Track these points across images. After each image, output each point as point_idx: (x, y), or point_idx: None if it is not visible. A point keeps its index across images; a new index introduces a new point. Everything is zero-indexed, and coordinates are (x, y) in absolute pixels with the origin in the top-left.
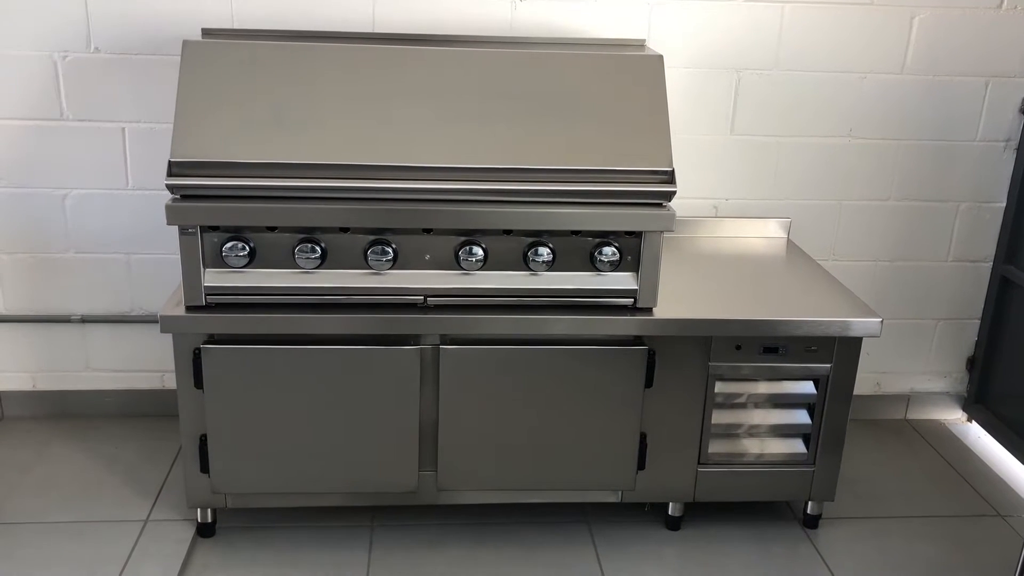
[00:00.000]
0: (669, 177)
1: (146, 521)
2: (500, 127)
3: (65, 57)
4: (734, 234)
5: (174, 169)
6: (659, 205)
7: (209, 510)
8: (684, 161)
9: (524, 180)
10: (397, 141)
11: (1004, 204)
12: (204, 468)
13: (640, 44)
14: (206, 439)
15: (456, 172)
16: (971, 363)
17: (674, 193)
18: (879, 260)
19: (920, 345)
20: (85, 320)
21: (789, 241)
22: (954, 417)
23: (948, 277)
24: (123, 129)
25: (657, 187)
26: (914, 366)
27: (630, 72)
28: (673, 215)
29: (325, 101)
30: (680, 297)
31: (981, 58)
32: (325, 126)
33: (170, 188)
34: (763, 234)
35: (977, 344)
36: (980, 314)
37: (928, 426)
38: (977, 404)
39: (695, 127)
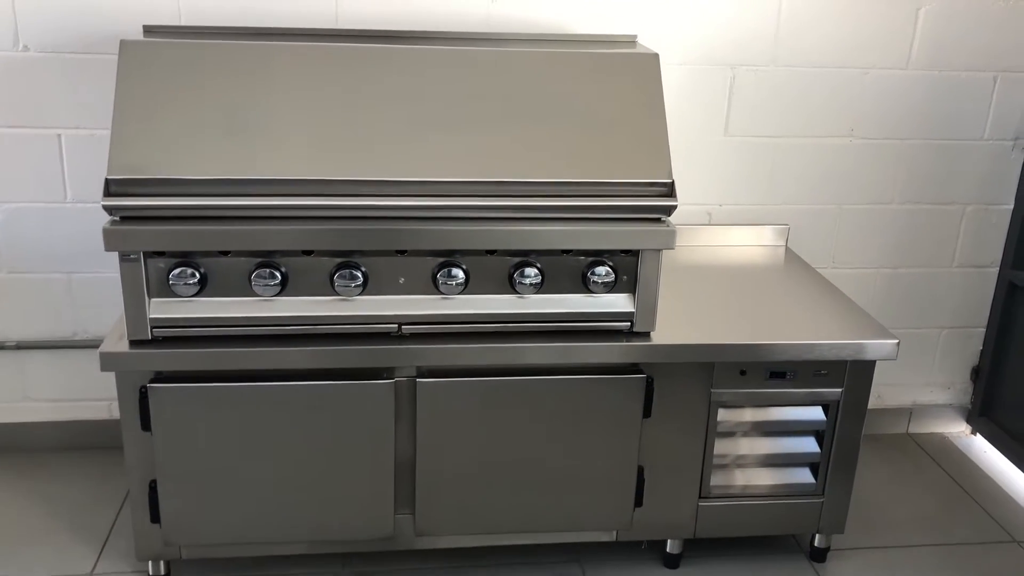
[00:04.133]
0: (669, 189)
1: (91, 575)
2: (480, 135)
3: None
4: (729, 242)
5: (112, 187)
6: (658, 220)
7: (162, 562)
8: (675, 164)
9: (508, 194)
10: (365, 152)
11: (1012, 206)
12: (155, 517)
13: (631, 40)
14: (156, 485)
15: (432, 186)
16: (976, 373)
17: (674, 208)
18: (881, 267)
19: (923, 355)
20: (21, 346)
21: (787, 249)
22: (958, 430)
23: (953, 284)
24: (59, 136)
25: (656, 201)
26: (917, 378)
27: (623, 72)
28: (674, 232)
29: (283, 108)
30: (677, 317)
31: (990, 52)
32: (284, 136)
33: (108, 209)
34: (760, 242)
35: (982, 353)
36: (986, 322)
37: (931, 440)
38: (982, 416)
39: (687, 128)
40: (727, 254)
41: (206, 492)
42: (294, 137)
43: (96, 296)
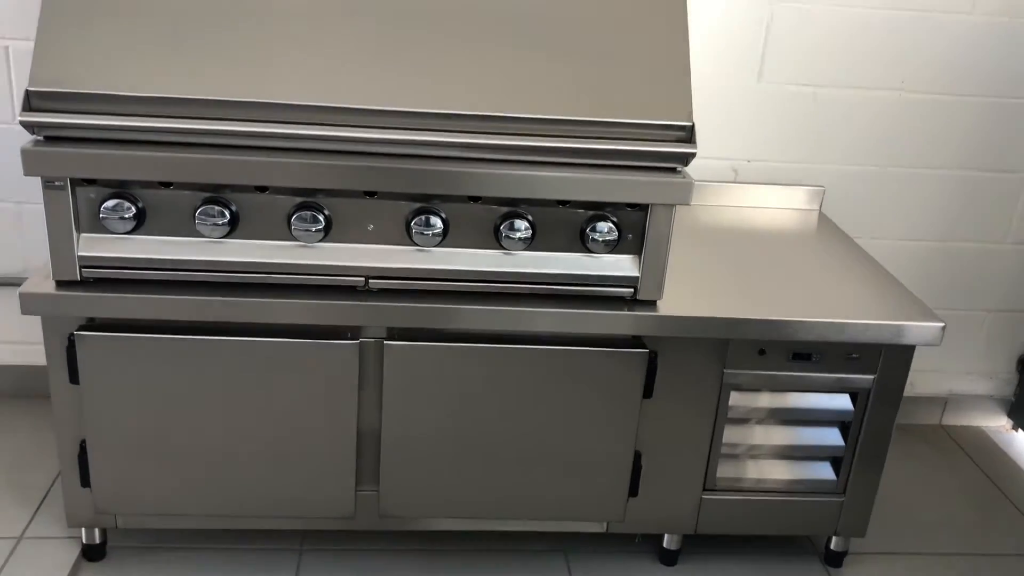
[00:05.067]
0: (687, 134)
1: (19, 538)
2: (466, 60)
3: None
4: (756, 203)
5: (33, 101)
6: (672, 171)
7: (96, 530)
8: (699, 112)
9: (497, 132)
10: (331, 74)
11: None
12: (85, 481)
13: None
14: (86, 446)
15: (408, 118)
16: (1022, 364)
17: (693, 155)
18: (925, 239)
19: (965, 340)
20: None
21: (821, 214)
22: (998, 424)
23: (1006, 262)
24: (6, 48)
25: (671, 147)
26: (956, 364)
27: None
28: (690, 185)
29: (240, 16)
30: (689, 285)
31: None
32: (237, 52)
33: (28, 126)
34: (791, 204)
35: None
36: None
37: (967, 434)
38: None
39: (714, 71)
40: (752, 216)
41: (142, 456)
42: (249, 53)
43: None
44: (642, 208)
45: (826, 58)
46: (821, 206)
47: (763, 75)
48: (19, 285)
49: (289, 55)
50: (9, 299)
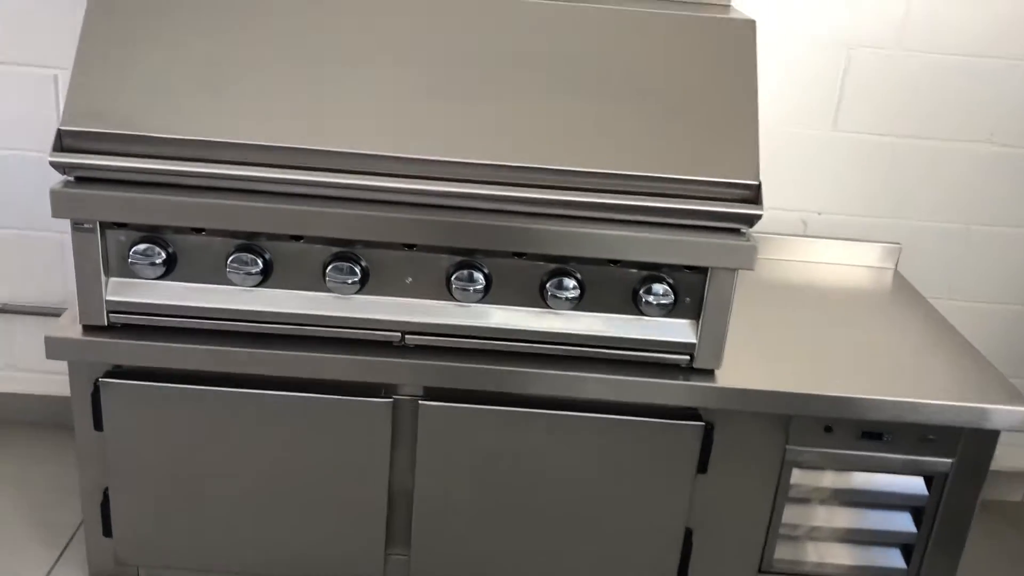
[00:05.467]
0: (754, 194)
1: None
2: (517, 108)
3: None
4: (826, 259)
5: (65, 140)
6: (736, 232)
7: None
8: (768, 160)
9: (546, 185)
10: (372, 121)
11: None
12: (107, 531)
13: (723, 3)
14: (109, 495)
15: (452, 168)
16: None
17: (758, 217)
18: (1010, 303)
19: None
20: (7, 310)
21: (897, 273)
22: None
23: None
24: (55, 77)
25: (735, 207)
26: None
27: (708, 41)
28: (754, 248)
29: (279, 61)
30: (750, 351)
31: None
32: (276, 96)
33: (58, 167)
34: (864, 262)
35: None
36: None
37: None
38: None
39: (786, 117)
40: (821, 274)
41: (166, 507)
42: (288, 98)
43: None
44: (701, 271)
45: (906, 107)
46: (897, 265)
47: (838, 123)
48: (59, 316)
49: (329, 100)
50: (46, 329)
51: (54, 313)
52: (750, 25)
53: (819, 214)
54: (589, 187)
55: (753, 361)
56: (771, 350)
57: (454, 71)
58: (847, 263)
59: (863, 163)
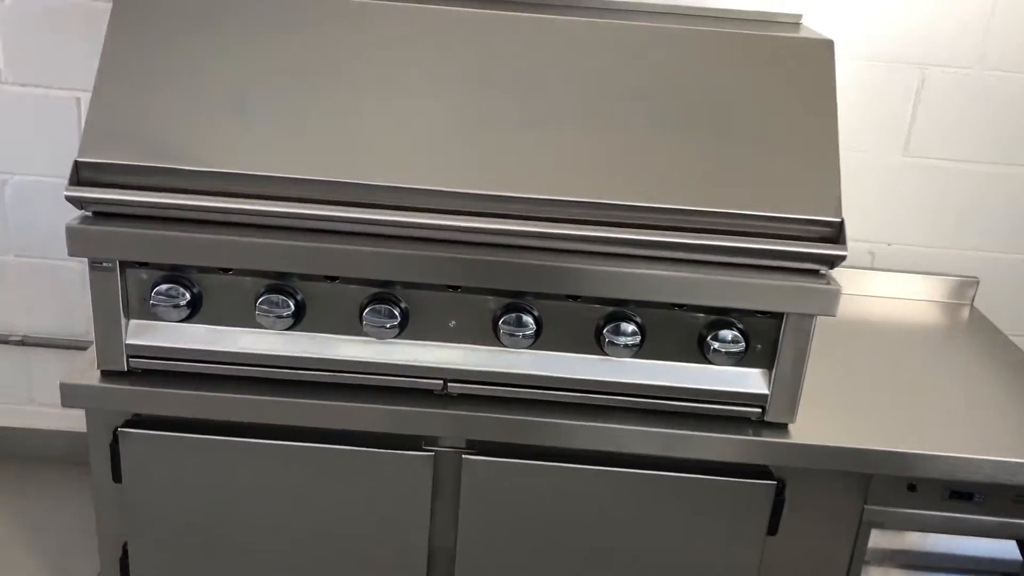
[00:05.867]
0: (835, 232)
1: None
2: (572, 137)
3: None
4: (896, 294)
5: (83, 172)
6: (814, 273)
7: None
8: None
9: (604, 221)
10: (412, 152)
11: None
12: None
13: (794, 21)
14: (128, 550)
15: (499, 203)
16: None
17: (841, 259)
18: None
19: None
20: (27, 342)
21: (973, 309)
22: None
23: None
24: (78, 99)
25: (814, 248)
26: None
27: (783, 63)
28: (837, 292)
29: (311, 88)
30: (823, 400)
31: None
32: (308, 125)
33: (75, 201)
34: (937, 296)
35: None
36: None
37: None
38: None
39: (853, 142)
40: (892, 310)
41: (188, 564)
42: (323, 126)
43: None
44: (775, 316)
45: (984, 130)
46: (974, 300)
47: (909, 148)
48: (84, 349)
49: (365, 130)
50: (71, 361)
51: (76, 346)
52: (827, 46)
53: (888, 245)
54: (651, 223)
55: (828, 412)
56: (846, 398)
57: (500, 98)
58: (919, 298)
59: (936, 191)
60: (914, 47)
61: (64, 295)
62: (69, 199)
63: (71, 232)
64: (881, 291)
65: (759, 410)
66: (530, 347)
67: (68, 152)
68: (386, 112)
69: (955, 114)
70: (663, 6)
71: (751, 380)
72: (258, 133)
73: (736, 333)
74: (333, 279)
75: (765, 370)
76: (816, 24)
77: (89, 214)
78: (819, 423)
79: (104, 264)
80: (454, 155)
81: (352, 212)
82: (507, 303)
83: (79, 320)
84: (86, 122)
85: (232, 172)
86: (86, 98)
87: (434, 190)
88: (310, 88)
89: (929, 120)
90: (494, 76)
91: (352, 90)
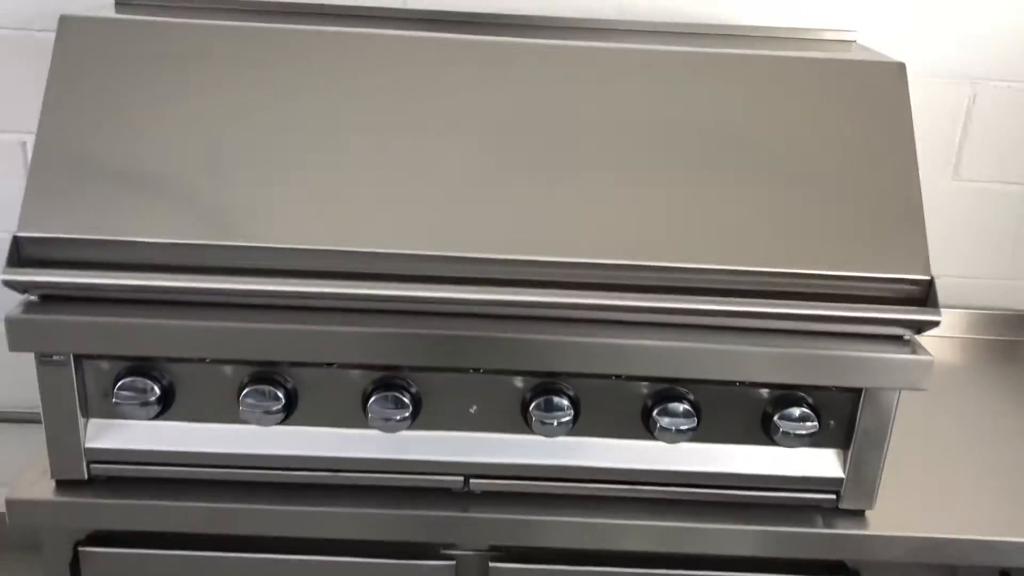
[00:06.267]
0: (923, 292)
1: None
2: (605, 186)
3: None
4: (952, 332)
5: (25, 249)
6: (899, 340)
7: None
8: None
9: (647, 287)
10: (422, 211)
11: None
12: None
13: (845, 40)
14: None
15: (526, 269)
16: None
17: (933, 324)
18: None
19: None
20: None
21: None
22: None
23: None
24: (23, 144)
25: (901, 313)
26: None
27: (848, 92)
28: (929, 363)
29: (299, 133)
30: (896, 476)
31: None
32: (296, 182)
33: (15, 286)
34: (995, 334)
35: None
36: None
37: None
38: None
39: None
40: (945, 351)
41: None
42: (314, 183)
43: None
44: (852, 391)
45: None
46: None
47: (959, 171)
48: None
49: (361, 187)
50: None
51: (29, 419)
52: (899, 70)
53: (940, 277)
54: (703, 287)
55: (903, 491)
56: (922, 473)
57: (517, 141)
58: (974, 335)
59: (990, 217)
60: (963, 61)
61: (7, 364)
62: (7, 283)
63: (12, 325)
64: (934, 331)
65: (832, 496)
66: (567, 433)
67: (13, 202)
68: (384, 164)
69: (1010, 133)
70: (692, 25)
71: (823, 463)
72: (234, 194)
73: (806, 410)
74: (330, 364)
75: (839, 450)
76: (857, 36)
77: (35, 299)
78: (898, 507)
79: (55, 358)
80: (466, 213)
81: (351, 286)
82: (537, 384)
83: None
84: (27, 185)
85: (205, 243)
86: (32, 140)
87: (445, 256)
88: (295, 137)
89: (981, 140)
90: (509, 115)
91: (343, 139)
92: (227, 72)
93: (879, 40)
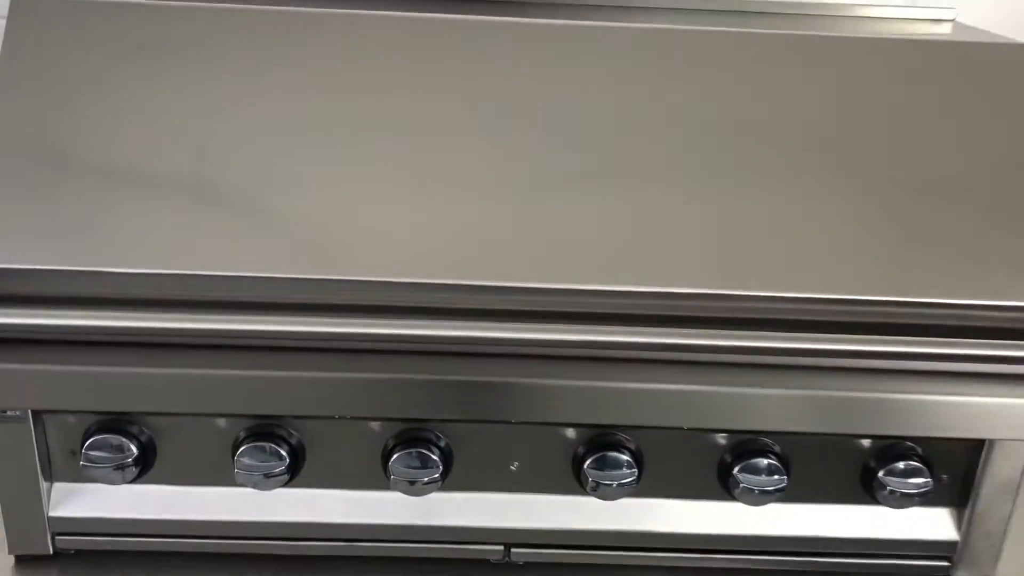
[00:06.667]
0: None
1: None
2: (672, 198)
3: None
4: None
5: None
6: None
7: None
8: None
9: (719, 319)
10: (445, 230)
11: None
12: None
13: (944, 17)
14: None
15: (572, 299)
16: None
17: None
18: None
19: None
20: None
21: None
22: None
23: None
24: None
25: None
26: None
27: (969, 81)
28: None
29: (300, 132)
30: (1019, 535)
31: None
32: (298, 190)
33: None
34: None
35: None
36: None
37: None
38: None
39: None
40: None
41: None
42: (315, 197)
43: None
44: (973, 444)
45: None
46: None
47: None
48: None
49: (376, 203)
50: None
51: None
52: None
53: None
54: (789, 318)
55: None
56: None
57: (567, 142)
58: None
59: None
60: None
61: None
62: None
63: None
64: None
65: (946, 563)
66: (630, 495)
67: None
68: (401, 171)
69: None
70: (751, 2)
71: (935, 524)
72: (222, 212)
73: (916, 463)
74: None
75: (954, 509)
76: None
77: None
78: (1017, 567)
79: (9, 414)
80: (494, 231)
81: (366, 324)
82: (592, 435)
83: None
84: None
85: (189, 273)
86: None
87: (474, 286)
88: (292, 139)
89: None
90: (549, 108)
91: (351, 142)
92: (208, 63)
93: (979, 21)
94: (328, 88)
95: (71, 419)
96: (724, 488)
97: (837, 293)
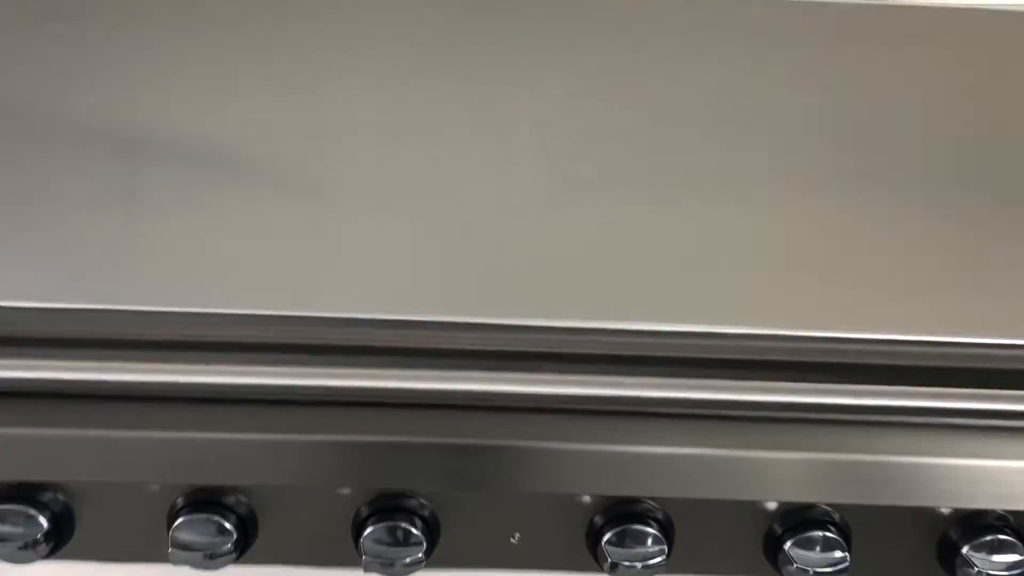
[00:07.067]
0: None
1: None
2: (722, 213)
3: None
4: None
5: None
6: None
7: None
8: None
9: (777, 364)
10: (444, 259)
11: None
12: None
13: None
14: None
15: (594, 340)
16: None
17: None
18: None
19: None
20: None
21: None
22: None
23: None
24: None
25: None
26: None
27: None
28: None
29: (269, 126)
30: None
31: None
32: (264, 197)
33: None
34: None
35: None
36: None
37: None
38: None
39: None
40: None
41: None
42: (289, 207)
43: None
44: None
45: None
46: None
47: None
48: None
49: (353, 222)
50: None
51: None
52: None
53: None
54: (855, 362)
55: None
56: None
57: (597, 144)
58: None
59: None
60: None
61: None
62: None
63: None
64: None
65: None
66: (656, 573)
67: None
68: (387, 187)
69: None
70: None
71: None
72: (157, 232)
73: (1008, 537)
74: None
75: None
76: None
77: None
78: None
79: None
80: (502, 261)
81: (332, 374)
82: (610, 504)
83: None
84: None
85: (111, 308)
86: None
87: (468, 323)
88: (254, 139)
89: None
90: (577, 102)
91: (331, 140)
92: (190, 47)
93: None
94: (309, 63)
95: None
96: (773, 565)
97: (931, 335)
